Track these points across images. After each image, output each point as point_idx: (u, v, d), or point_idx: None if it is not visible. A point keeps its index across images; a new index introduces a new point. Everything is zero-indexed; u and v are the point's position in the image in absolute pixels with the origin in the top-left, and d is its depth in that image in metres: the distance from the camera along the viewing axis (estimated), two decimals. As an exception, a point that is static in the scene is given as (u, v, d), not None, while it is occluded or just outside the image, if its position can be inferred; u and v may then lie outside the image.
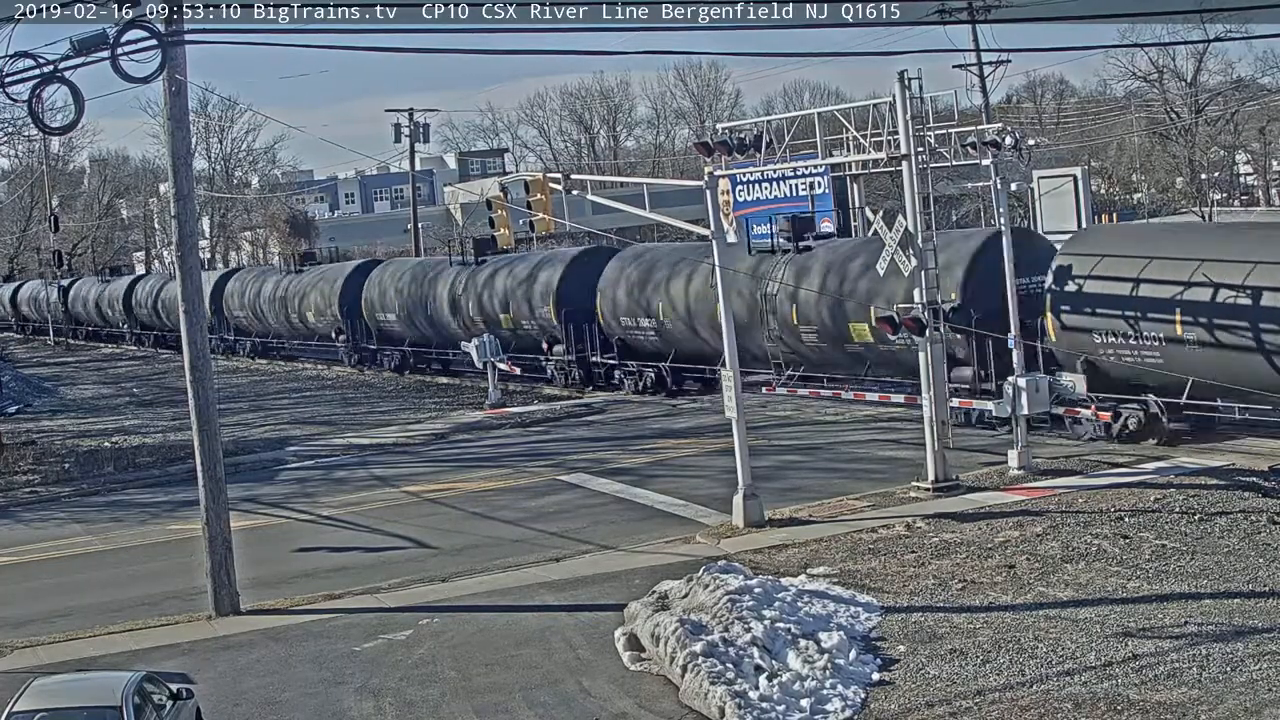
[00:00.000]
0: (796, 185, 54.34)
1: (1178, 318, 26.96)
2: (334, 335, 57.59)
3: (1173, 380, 27.43)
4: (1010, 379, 26.94)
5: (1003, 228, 28.03)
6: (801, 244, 36.04)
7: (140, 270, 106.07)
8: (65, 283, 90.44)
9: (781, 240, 36.61)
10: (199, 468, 21.76)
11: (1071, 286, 29.07)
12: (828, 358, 35.30)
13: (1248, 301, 25.89)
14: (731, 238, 47.54)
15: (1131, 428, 28.33)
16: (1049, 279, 29.51)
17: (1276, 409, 26.83)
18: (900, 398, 32.31)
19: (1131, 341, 27.95)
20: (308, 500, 30.84)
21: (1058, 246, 31.32)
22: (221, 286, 67.66)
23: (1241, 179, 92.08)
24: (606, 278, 42.44)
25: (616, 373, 42.46)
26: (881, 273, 28.01)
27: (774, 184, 54.92)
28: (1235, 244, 27.76)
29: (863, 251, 33.46)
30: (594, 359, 43.25)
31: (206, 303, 64.79)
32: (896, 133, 26.27)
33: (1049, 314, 29.38)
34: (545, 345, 44.54)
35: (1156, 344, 27.53)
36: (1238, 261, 26.40)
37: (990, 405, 27.94)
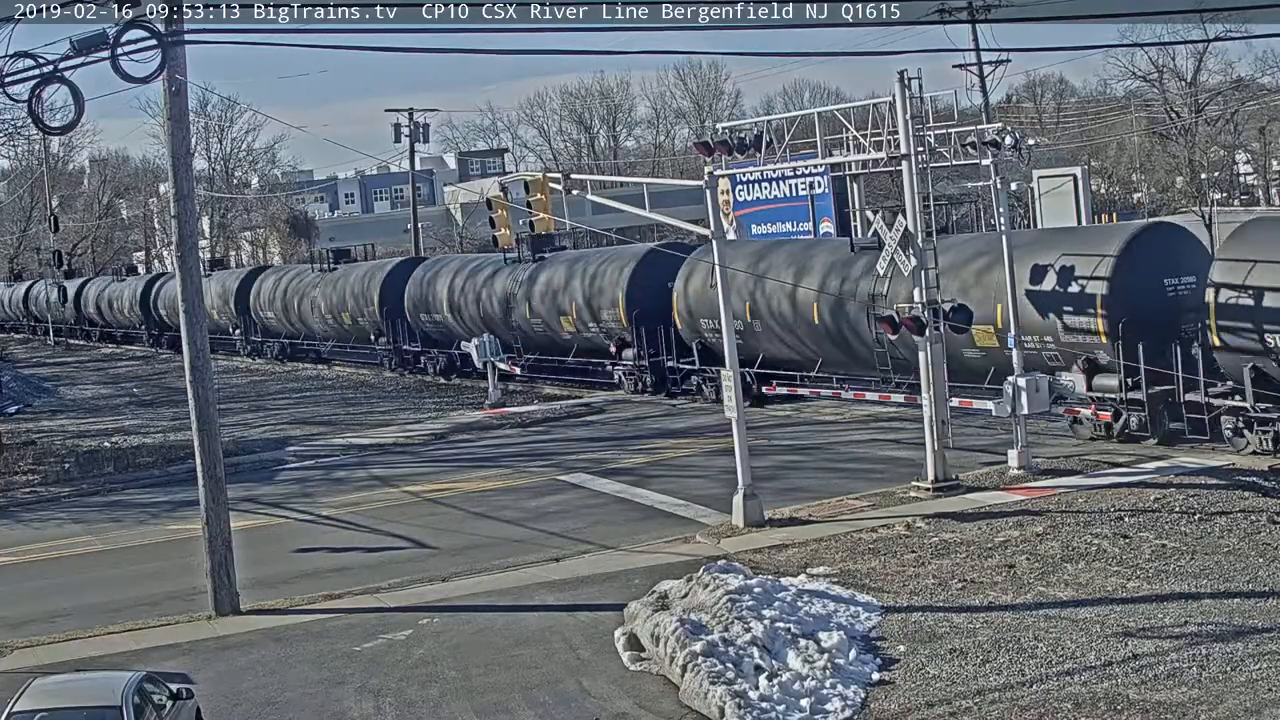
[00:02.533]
0: (796, 185, 54.41)
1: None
2: (613, 350, 42.16)
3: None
4: (1010, 379, 26.94)
5: (1002, 228, 28.04)
6: None
7: (142, 270, 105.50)
8: (144, 279, 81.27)
9: None
10: (199, 468, 21.76)
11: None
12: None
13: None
14: (731, 236, 47.65)
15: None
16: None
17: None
18: (900, 397, 32.26)
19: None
20: (307, 500, 30.84)
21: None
22: (401, 283, 51.60)
23: (1241, 179, 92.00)
24: (1219, 265, 26.37)
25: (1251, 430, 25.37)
26: (882, 273, 28.00)
27: (774, 184, 54.98)
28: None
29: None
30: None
31: (377, 303, 52.17)
32: (896, 132, 26.24)
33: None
34: (1082, 372, 28.34)
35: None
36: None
37: (990, 405, 27.94)
